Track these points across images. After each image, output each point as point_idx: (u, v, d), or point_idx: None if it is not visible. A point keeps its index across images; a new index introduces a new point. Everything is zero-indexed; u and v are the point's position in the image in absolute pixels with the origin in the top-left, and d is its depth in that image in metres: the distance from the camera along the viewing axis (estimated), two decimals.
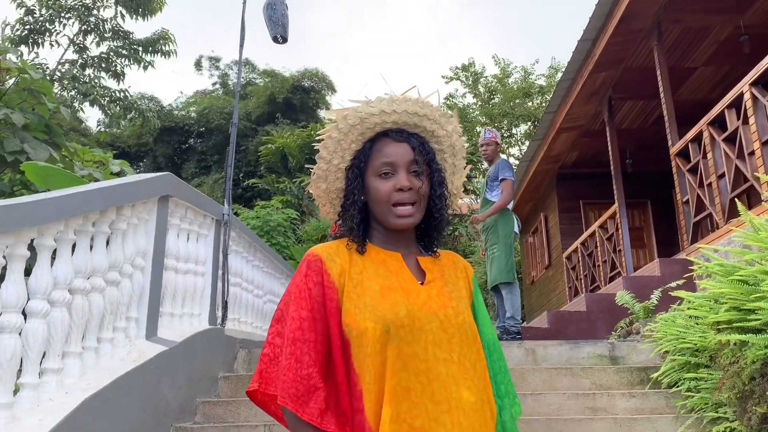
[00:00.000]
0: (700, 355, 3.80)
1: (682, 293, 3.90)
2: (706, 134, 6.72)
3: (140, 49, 17.72)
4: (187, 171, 26.98)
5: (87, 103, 17.40)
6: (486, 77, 28.93)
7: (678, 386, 3.98)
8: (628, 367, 4.64)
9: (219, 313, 5.02)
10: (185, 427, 3.82)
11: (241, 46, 5.52)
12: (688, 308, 3.93)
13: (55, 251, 3.00)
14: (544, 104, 25.86)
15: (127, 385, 3.30)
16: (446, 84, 29.81)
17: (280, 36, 5.56)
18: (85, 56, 17.38)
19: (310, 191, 1.52)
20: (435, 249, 1.45)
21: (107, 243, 3.49)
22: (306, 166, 1.53)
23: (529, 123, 26.73)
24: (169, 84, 62.27)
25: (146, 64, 17.87)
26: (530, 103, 27.25)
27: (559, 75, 25.65)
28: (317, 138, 1.47)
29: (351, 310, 1.28)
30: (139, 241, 3.81)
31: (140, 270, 3.83)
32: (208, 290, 4.90)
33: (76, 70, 16.83)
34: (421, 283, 1.37)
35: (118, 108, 18.62)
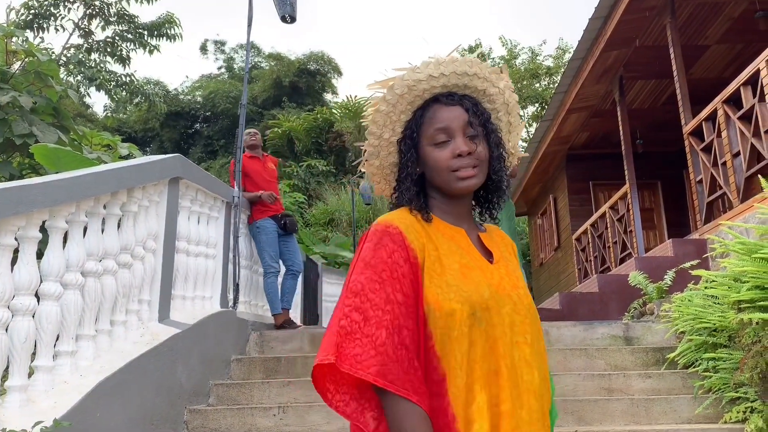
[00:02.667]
0: (719, 335, 3.75)
1: (702, 272, 3.84)
2: (720, 112, 6.61)
3: (145, 33, 17.62)
4: (194, 156, 26.96)
5: (93, 88, 17.38)
6: (493, 59, 28.70)
7: (695, 366, 3.94)
8: (643, 347, 4.60)
9: (230, 296, 5.00)
10: (199, 409, 3.81)
11: (249, 25, 5.45)
12: (706, 287, 3.87)
13: (66, 234, 2.97)
14: (551, 85, 25.67)
15: (141, 367, 3.29)
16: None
17: (288, 15, 5.48)
18: (90, 41, 17.30)
19: (362, 170, 1.44)
20: (495, 216, 1.41)
21: (118, 225, 3.46)
22: (356, 144, 1.46)
23: (537, 104, 26.55)
24: (174, 68, 62.12)
25: (152, 48, 17.77)
26: (537, 85, 27.06)
27: (567, 56, 25.45)
28: (364, 114, 1.39)
29: (433, 290, 1.21)
30: (150, 223, 3.78)
31: (152, 252, 3.80)
32: (220, 273, 4.88)
33: (81, 54, 16.75)
34: (491, 263, 1.32)
35: (124, 93, 18.58)
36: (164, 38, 17.84)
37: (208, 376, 4.20)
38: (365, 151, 1.41)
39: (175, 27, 17.81)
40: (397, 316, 1.17)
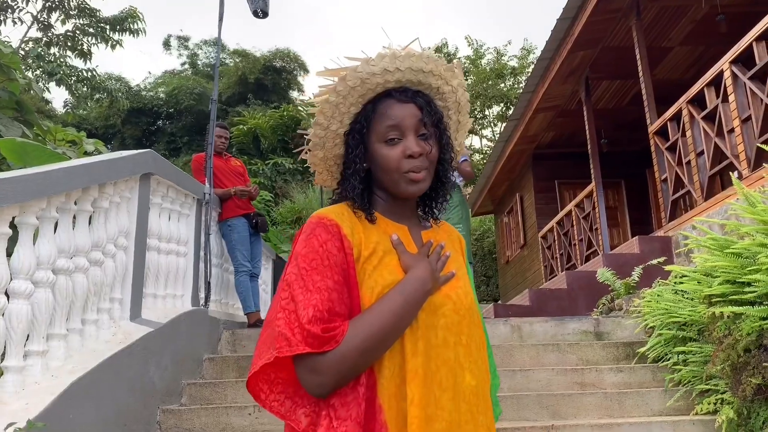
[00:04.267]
0: (688, 329, 3.84)
1: (673, 267, 3.92)
2: (685, 112, 6.77)
3: (107, 27, 17.24)
4: (157, 153, 26.49)
5: (53, 83, 16.92)
6: (459, 58, 28.85)
7: (665, 360, 4.03)
8: (614, 342, 4.68)
9: (202, 295, 4.92)
10: (172, 409, 3.75)
11: (220, 20, 5.37)
12: (676, 283, 3.95)
13: (36, 231, 2.88)
14: (516, 86, 25.95)
15: (114, 367, 3.21)
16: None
17: (260, 10, 5.41)
18: (49, 34, 16.86)
19: (305, 158, 1.38)
20: (436, 217, 1.37)
21: (89, 222, 3.37)
22: (299, 132, 1.40)
23: (502, 104, 26.80)
24: (137, 64, 60.95)
25: (114, 43, 17.39)
26: (502, 85, 27.31)
27: (532, 56, 25.77)
28: (311, 102, 1.33)
29: (369, 285, 1.18)
30: (121, 220, 3.69)
31: (123, 250, 3.72)
32: (191, 271, 4.80)
33: (40, 48, 16.32)
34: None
35: (85, 88, 18.15)
36: (127, 33, 17.48)
37: (181, 376, 4.13)
38: (308, 140, 1.35)
39: (138, 22, 17.47)
40: (325, 300, 1.13)
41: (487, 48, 28.78)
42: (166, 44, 32.95)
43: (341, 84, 1.27)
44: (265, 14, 5.49)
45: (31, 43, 16.71)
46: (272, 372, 1.17)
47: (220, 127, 5.84)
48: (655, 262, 5.68)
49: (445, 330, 1.20)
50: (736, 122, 5.81)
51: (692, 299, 3.80)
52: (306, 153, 1.37)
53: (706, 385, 3.44)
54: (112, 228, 3.57)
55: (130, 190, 3.83)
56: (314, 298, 1.13)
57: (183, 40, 33.04)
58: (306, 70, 29.79)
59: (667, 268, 4.08)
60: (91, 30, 17.30)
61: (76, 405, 2.81)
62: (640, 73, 7.94)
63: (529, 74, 10.68)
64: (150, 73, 49.04)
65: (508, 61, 27.93)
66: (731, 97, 5.90)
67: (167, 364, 3.92)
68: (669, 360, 3.95)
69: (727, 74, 5.97)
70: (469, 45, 28.42)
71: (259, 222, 5.63)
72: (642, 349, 4.26)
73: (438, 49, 29.02)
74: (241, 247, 5.48)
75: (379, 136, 1.25)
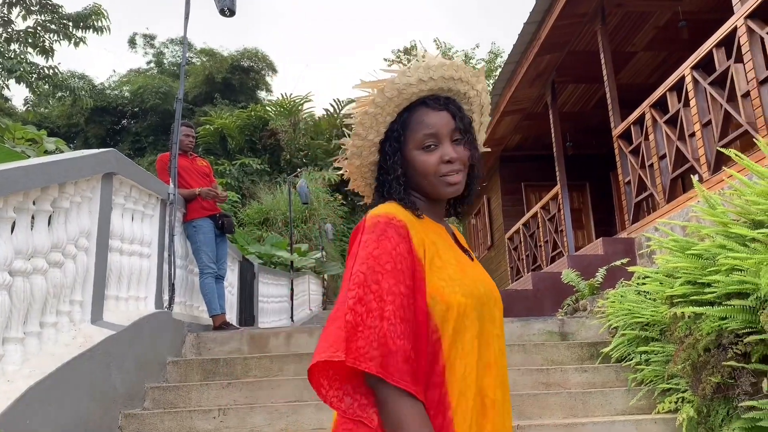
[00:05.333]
0: (651, 329, 3.90)
1: (637, 268, 3.98)
2: (648, 116, 6.90)
3: (70, 24, 16.88)
4: (121, 152, 26.04)
5: (12, 80, 16.51)
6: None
7: (628, 360, 4.09)
8: (578, 342, 4.74)
9: (166, 297, 4.84)
10: (135, 414, 3.67)
11: (186, 18, 5.29)
12: (639, 284, 4.02)
13: None
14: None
15: (74, 371, 3.13)
16: (389, 67, 29.69)
17: (227, 8, 5.35)
18: (10, 30, 16.43)
19: (340, 165, 1.45)
20: (460, 216, 1.47)
21: (49, 222, 3.29)
22: (336, 142, 1.44)
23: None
24: (101, 62, 59.82)
25: (77, 40, 17.04)
26: None
27: (500, 60, 26.03)
28: (349, 113, 1.39)
29: (438, 283, 1.23)
30: (82, 220, 3.61)
31: (84, 251, 3.64)
32: (154, 272, 4.72)
33: (0, 44, 15.90)
34: (471, 260, 1.37)
35: (47, 86, 17.76)
36: (91, 30, 17.14)
37: (144, 380, 4.05)
38: (347, 150, 1.41)
39: (103, 19, 17.14)
40: (398, 308, 1.17)
41: (455, 51, 29.00)
42: (132, 42, 32.46)
43: (380, 95, 1.34)
44: (231, 13, 5.43)
45: None
46: (330, 368, 1.20)
47: (186, 126, 5.76)
48: (618, 263, 5.77)
49: (491, 323, 1.29)
50: (697, 126, 5.94)
51: (654, 300, 3.87)
52: (343, 161, 1.45)
53: (668, 384, 3.50)
54: (73, 228, 3.49)
55: (92, 190, 3.75)
56: (388, 308, 1.16)
57: (149, 38, 32.60)
58: (274, 70, 29.65)
59: (630, 269, 4.14)
60: (53, 26, 16.92)
61: (33, 410, 2.73)
62: (605, 78, 8.07)
63: (497, 78, 10.77)
64: (114, 71, 48.11)
65: (476, 64, 28.16)
66: (692, 102, 6.03)
67: (130, 368, 3.85)
68: (632, 360, 4.01)
69: (688, 79, 6.10)
70: (437, 47, 28.57)
71: (225, 223, 5.56)
72: (606, 349, 4.32)
73: (407, 51, 29.13)
74: (206, 249, 5.41)
75: (416, 143, 1.32)
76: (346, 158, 1.42)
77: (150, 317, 4.34)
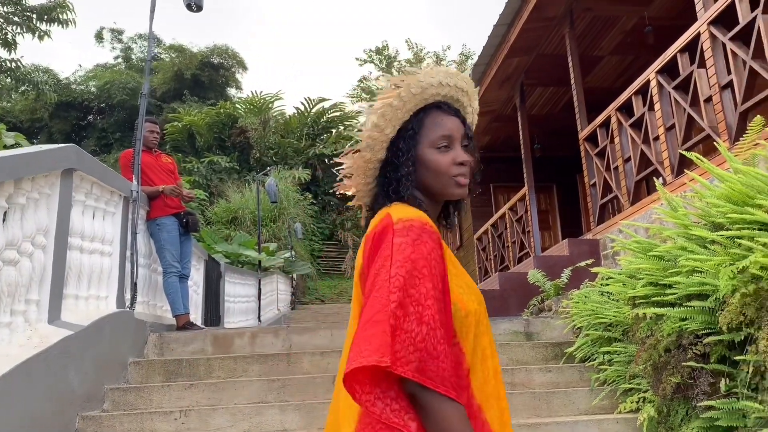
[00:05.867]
0: (614, 329, 3.95)
1: (600, 269, 4.02)
2: (614, 119, 6.99)
3: (34, 16, 16.51)
4: (86, 149, 25.45)
5: None
6: (399, 61, 29.05)
7: (591, 360, 4.13)
8: (543, 342, 4.77)
9: (128, 296, 4.74)
10: (93, 416, 3.59)
11: (152, 11, 5.19)
12: (602, 285, 4.06)
13: None
14: None
15: (28, 372, 3.04)
16: (360, 66, 29.71)
17: (194, 3, 5.27)
18: None
19: (343, 160, 1.44)
20: (450, 225, 1.51)
21: (4, 219, 3.19)
22: (350, 134, 1.42)
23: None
24: (67, 56, 58.58)
25: (42, 33, 16.68)
26: None
27: (470, 62, 26.17)
28: (370, 104, 1.40)
29: (455, 289, 1.26)
30: (40, 217, 3.51)
31: (41, 249, 3.53)
32: (116, 271, 4.62)
33: None
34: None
35: (9, 79, 17.33)
36: (56, 23, 16.79)
37: (103, 381, 3.96)
38: (362, 141, 1.40)
39: (68, 12, 16.80)
40: (436, 312, 1.16)
41: (427, 52, 29.10)
42: (99, 37, 31.87)
43: (406, 90, 1.37)
44: (199, 8, 5.34)
45: None
46: (360, 372, 1.16)
47: (150, 122, 5.66)
48: (583, 264, 5.83)
49: (488, 329, 1.33)
50: (661, 130, 6.03)
51: (617, 301, 3.91)
52: (353, 154, 1.43)
53: (630, 384, 3.54)
54: (30, 226, 3.38)
55: (50, 186, 3.65)
56: (427, 313, 1.16)
57: (117, 33, 32.04)
58: (245, 67, 29.36)
59: (594, 270, 4.18)
60: (16, 19, 16.54)
61: None
62: (572, 81, 8.16)
63: None
64: (81, 66, 47.15)
65: (447, 65, 28.26)
66: (657, 106, 6.13)
67: (88, 369, 3.76)
68: (595, 360, 4.05)
69: (653, 84, 6.19)
70: (409, 48, 28.66)
71: (190, 221, 5.48)
72: (570, 350, 4.36)
73: (379, 51, 29.14)
74: (170, 247, 5.31)
75: (431, 143, 1.36)
76: (358, 150, 1.42)
77: (111, 317, 4.25)
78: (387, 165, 1.39)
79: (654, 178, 3.84)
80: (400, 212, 1.27)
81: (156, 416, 3.62)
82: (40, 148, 3.51)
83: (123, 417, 3.61)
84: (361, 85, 29.24)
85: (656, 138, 6.18)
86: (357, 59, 29.47)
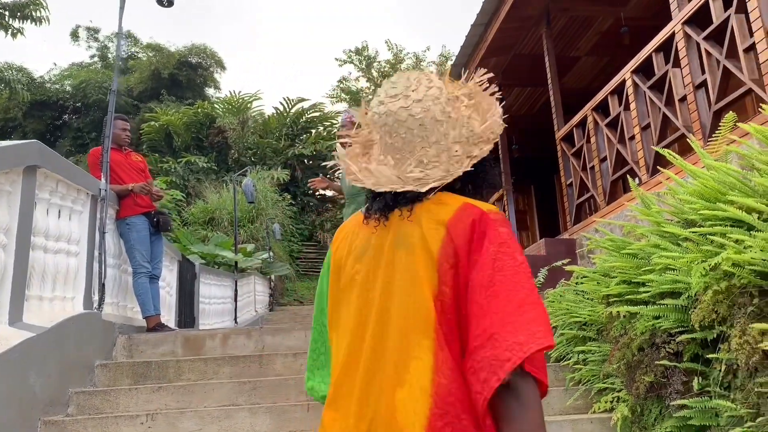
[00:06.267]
0: (588, 328, 3.92)
1: (574, 268, 4.00)
2: (590, 119, 6.99)
3: (6, 13, 16.18)
4: (62, 149, 25.13)
5: None
6: (379, 62, 29.02)
7: (566, 360, 4.10)
8: None
9: (96, 297, 4.63)
10: (56, 421, 3.48)
11: (122, 8, 5.08)
12: (577, 283, 4.03)
13: None
14: None
15: None
16: (339, 67, 29.59)
17: None
18: None
19: (482, 153, 1.40)
20: None
21: None
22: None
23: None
24: (41, 54, 57.72)
25: (14, 31, 16.35)
26: None
27: (450, 63, 26.19)
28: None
29: None
30: (0, 215, 3.40)
31: (2, 248, 3.42)
32: (83, 272, 4.50)
33: None
34: None
35: None
36: (29, 21, 16.47)
37: (68, 384, 3.85)
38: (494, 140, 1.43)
39: (42, 9, 16.49)
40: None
41: (406, 53, 29.08)
42: (74, 35, 31.36)
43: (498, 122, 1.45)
44: (170, 3, 5.24)
45: None
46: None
47: (122, 120, 5.55)
48: (559, 263, 5.81)
49: None
50: (637, 129, 6.04)
51: (592, 299, 3.89)
52: (490, 144, 1.42)
53: (604, 383, 3.52)
54: None
55: (11, 184, 3.53)
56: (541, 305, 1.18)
57: (93, 31, 31.55)
58: (223, 67, 29.09)
59: (568, 268, 4.16)
60: None
61: None
62: (549, 81, 8.16)
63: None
64: (55, 64, 46.37)
65: (426, 66, 28.28)
66: (632, 106, 6.13)
67: (52, 372, 3.64)
68: (570, 359, 4.03)
69: (629, 83, 6.20)
70: (389, 49, 28.64)
71: (161, 221, 5.36)
72: None
73: (359, 52, 29.06)
74: (140, 247, 5.20)
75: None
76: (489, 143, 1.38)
77: (76, 318, 4.13)
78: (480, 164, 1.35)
79: (629, 177, 3.82)
80: (482, 205, 1.25)
81: (122, 420, 3.53)
82: (0, 144, 3.40)
83: (87, 421, 3.50)
84: (341, 85, 29.15)
85: (632, 137, 6.19)
86: (336, 59, 29.36)
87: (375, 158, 1.36)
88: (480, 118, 1.36)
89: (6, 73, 17.82)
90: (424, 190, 1.27)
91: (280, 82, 71.66)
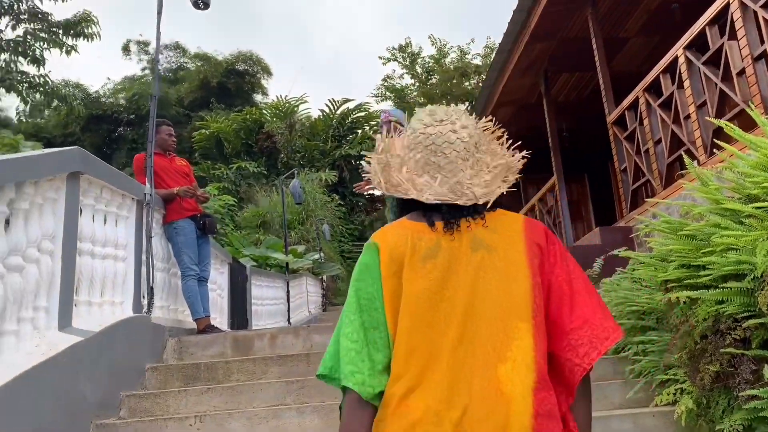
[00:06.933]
0: (647, 317, 3.72)
1: (629, 253, 3.80)
2: (642, 101, 6.71)
3: (60, 31, 16.76)
4: (118, 160, 25.91)
5: (3, 90, 16.41)
6: (423, 57, 28.84)
7: (625, 351, 3.90)
8: None
9: (145, 301, 4.67)
10: (108, 424, 3.50)
11: (159, 13, 5.13)
12: (633, 271, 3.83)
13: None
14: (481, 84, 25.99)
15: (35, 380, 2.96)
16: (384, 65, 29.56)
17: (201, 1, 5.19)
18: None
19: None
20: None
21: (6, 224, 3.12)
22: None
23: (467, 103, 26.82)
24: (95, 70, 59.78)
25: (68, 48, 16.92)
26: (467, 83, 27.33)
27: (494, 54, 25.85)
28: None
29: None
30: (45, 222, 3.43)
31: (49, 254, 3.46)
32: (131, 276, 4.55)
33: None
34: None
35: (39, 95, 17.61)
36: (81, 38, 17.02)
37: (119, 387, 3.88)
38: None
39: (93, 26, 17.04)
40: None
41: (450, 47, 28.81)
42: (126, 49, 32.33)
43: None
44: (206, 5, 5.26)
45: None
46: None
47: (166, 125, 5.61)
48: (615, 252, 5.57)
49: None
50: (692, 108, 5.74)
51: (649, 287, 3.68)
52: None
53: (666, 375, 3.31)
54: (34, 231, 3.31)
55: (56, 191, 3.57)
56: None
57: (143, 44, 32.44)
58: (269, 73, 29.50)
59: (623, 254, 3.96)
60: (43, 35, 16.81)
61: None
62: (597, 64, 7.87)
63: (489, 68, 10.59)
64: (109, 78, 47.89)
65: (471, 59, 27.97)
66: (686, 84, 5.84)
67: (102, 376, 3.68)
68: (629, 351, 3.82)
69: (681, 60, 5.91)
70: (432, 44, 28.41)
71: (207, 223, 5.39)
72: None
73: (402, 49, 28.95)
74: (188, 251, 5.23)
75: None
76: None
77: (125, 322, 4.18)
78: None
79: (686, 158, 3.60)
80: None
81: (171, 422, 3.52)
82: (42, 152, 3.44)
83: (138, 424, 3.52)
84: (385, 84, 29.09)
85: (687, 117, 5.89)
86: (380, 58, 29.31)
87: (413, 173, 1.46)
88: (501, 152, 1.56)
89: (63, 90, 18.39)
90: (488, 201, 1.44)
91: (327, 84, 72.23)
